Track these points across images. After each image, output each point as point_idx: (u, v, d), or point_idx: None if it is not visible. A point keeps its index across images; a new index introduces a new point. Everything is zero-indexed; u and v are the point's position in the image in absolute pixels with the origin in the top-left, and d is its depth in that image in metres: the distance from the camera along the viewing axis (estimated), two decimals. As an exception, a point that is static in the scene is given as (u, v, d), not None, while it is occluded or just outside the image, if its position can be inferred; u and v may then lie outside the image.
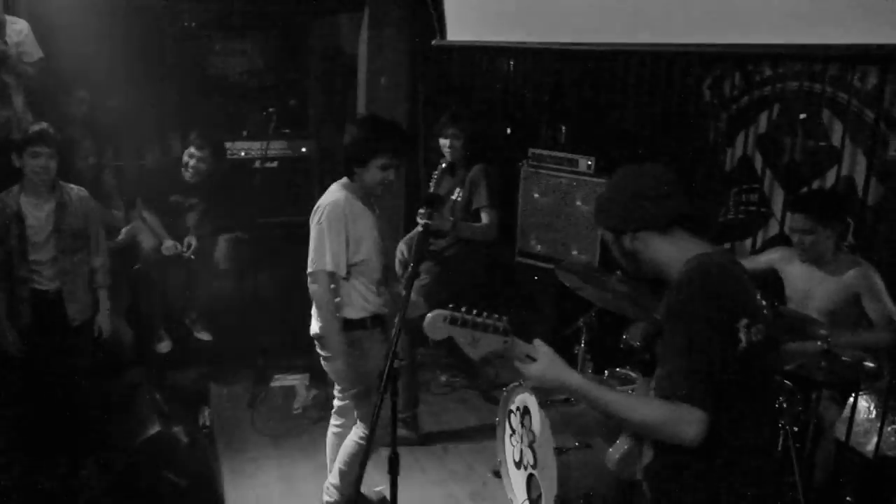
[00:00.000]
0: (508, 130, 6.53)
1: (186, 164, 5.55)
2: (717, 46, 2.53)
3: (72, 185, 4.62)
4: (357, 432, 3.95)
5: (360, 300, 3.80)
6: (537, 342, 2.29)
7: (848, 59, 4.00)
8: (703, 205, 5.24)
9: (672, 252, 2.24)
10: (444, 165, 4.99)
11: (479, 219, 4.99)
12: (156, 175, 5.79)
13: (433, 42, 4.34)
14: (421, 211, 3.97)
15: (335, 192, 3.79)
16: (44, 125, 4.44)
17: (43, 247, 4.45)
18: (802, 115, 4.78)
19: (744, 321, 2.08)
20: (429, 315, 2.25)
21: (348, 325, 3.78)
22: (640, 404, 2.12)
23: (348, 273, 3.51)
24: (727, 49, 2.51)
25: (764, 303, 2.26)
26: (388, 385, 2.79)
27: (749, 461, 2.18)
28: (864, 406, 4.40)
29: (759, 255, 4.47)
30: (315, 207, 3.78)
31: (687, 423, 2.01)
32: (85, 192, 4.66)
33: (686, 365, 2.04)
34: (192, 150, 5.54)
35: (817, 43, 2.15)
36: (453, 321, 2.24)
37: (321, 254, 3.68)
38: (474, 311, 2.25)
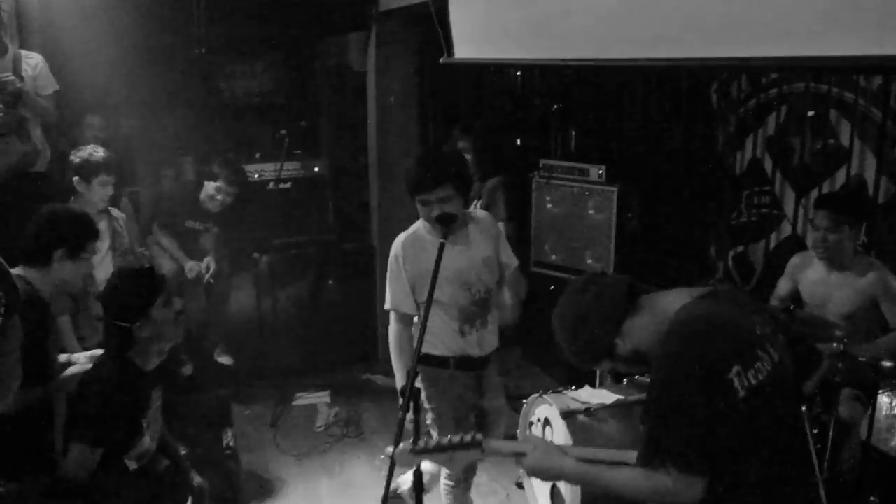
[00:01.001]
0: (518, 142, 6.59)
1: (213, 196, 5.52)
2: (724, 60, 2.55)
3: (113, 209, 4.86)
4: (442, 479, 3.87)
5: (436, 339, 3.68)
6: (529, 435, 2.37)
7: (857, 70, 4.02)
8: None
9: (658, 318, 2.14)
10: None
11: None
12: (171, 200, 5.84)
13: (441, 60, 4.38)
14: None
15: (412, 226, 3.77)
16: (109, 153, 4.69)
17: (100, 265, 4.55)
18: (811, 113, 4.79)
19: (735, 369, 1.98)
20: (397, 450, 2.32)
21: (429, 360, 3.67)
22: (635, 480, 2.07)
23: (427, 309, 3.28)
24: (735, 62, 2.53)
25: (767, 331, 2.14)
26: (410, 402, 2.80)
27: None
28: (886, 402, 4.40)
29: (784, 274, 4.37)
30: None
31: (683, 492, 1.99)
32: (124, 214, 4.95)
33: (676, 432, 2.00)
34: (220, 184, 5.49)
35: (825, 55, 2.17)
36: (420, 452, 2.29)
37: (386, 292, 3.70)
38: (437, 439, 2.30)
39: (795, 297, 4.20)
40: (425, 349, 3.54)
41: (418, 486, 2.93)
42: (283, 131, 5.56)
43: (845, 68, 3.69)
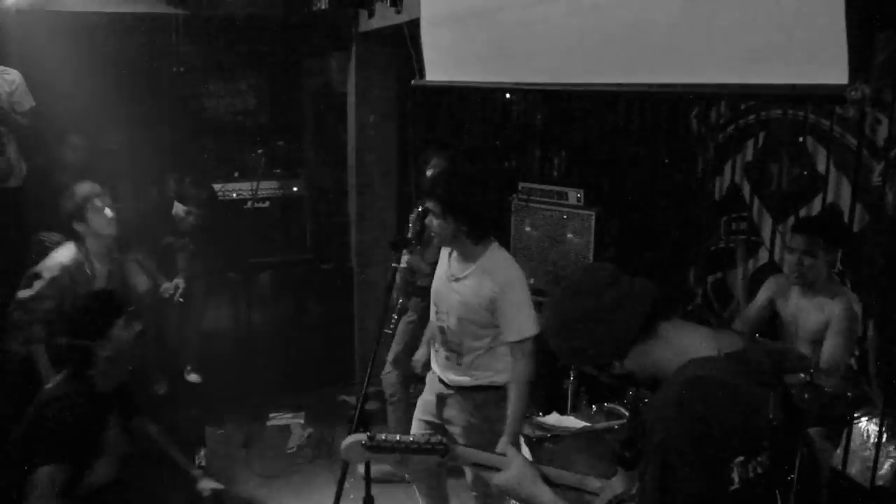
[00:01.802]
0: (509, 164, 6.57)
1: (183, 218, 5.56)
2: (671, 86, 2.55)
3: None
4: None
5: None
6: (511, 451, 2.19)
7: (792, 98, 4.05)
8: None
9: (669, 354, 1.89)
10: (419, 210, 4.98)
11: None
12: (150, 217, 5.84)
13: (412, 82, 4.39)
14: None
15: None
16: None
17: None
18: (801, 139, 4.77)
19: (739, 459, 1.75)
20: (346, 441, 2.19)
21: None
22: None
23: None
24: (683, 89, 2.53)
25: (780, 417, 1.83)
26: (359, 420, 2.75)
27: None
28: (863, 430, 4.38)
29: (758, 297, 4.37)
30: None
31: None
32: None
33: None
34: (189, 207, 5.56)
35: (763, 83, 2.17)
36: (373, 448, 2.15)
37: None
38: (398, 436, 2.16)
39: (764, 321, 4.18)
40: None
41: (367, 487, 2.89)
42: (259, 151, 5.55)
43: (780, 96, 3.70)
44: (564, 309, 1.98)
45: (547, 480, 2.14)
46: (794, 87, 2.07)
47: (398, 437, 2.15)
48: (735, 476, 1.75)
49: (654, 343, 1.91)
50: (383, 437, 2.15)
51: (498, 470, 2.16)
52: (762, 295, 4.27)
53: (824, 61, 2.00)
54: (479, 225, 3.42)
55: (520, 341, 3.39)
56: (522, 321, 3.39)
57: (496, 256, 3.50)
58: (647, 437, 1.80)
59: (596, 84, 2.81)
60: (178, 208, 5.51)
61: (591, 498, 2.29)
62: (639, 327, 1.90)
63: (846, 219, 4.49)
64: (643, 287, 1.96)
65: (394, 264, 2.98)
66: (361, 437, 2.15)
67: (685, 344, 1.90)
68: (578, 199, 5.44)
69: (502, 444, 3.33)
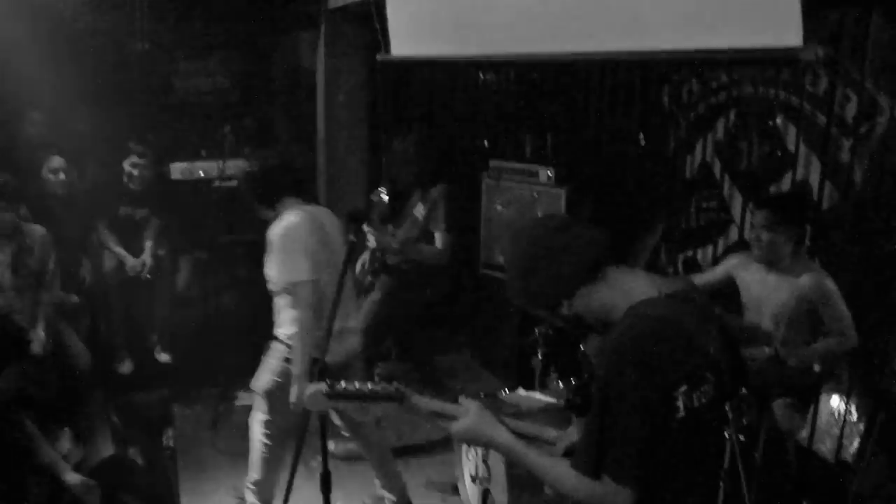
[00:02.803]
0: (486, 143, 6.52)
1: (131, 174, 5.55)
2: (629, 53, 2.52)
3: (34, 226, 4.83)
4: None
5: None
6: (463, 399, 2.22)
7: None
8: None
9: (616, 297, 2.01)
10: (382, 193, 4.96)
11: (434, 240, 4.92)
12: (107, 190, 5.78)
13: (377, 57, 4.34)
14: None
15: None
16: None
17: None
18: (779, 120, 4.75)
19: (683, 388, 1.88)
20: (308, 390, 2.24)
21: None
22: (566, 477, 1.97)
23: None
24: (641, 56, 2.50)
25: (718, 350, 2.03)
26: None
27: None
28: (831, 407, 4.40)
29: (717, 266, 4.42)
30: None
31: (613, 500, 1.89)
32: (44, 231, 4.87)
33: (615, 443, 1.88)
34: (133, 158, 5.54)
35: (718, 47, 2.15)
36: (333, 396, 2.20)
37: None
38: (356, 383, 2.21)
39: (715, 293, 4.17)
40: None
41: (325, 486, 2.88)
42: (226, 128, 5.46)
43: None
44: (516, 252, 2.10)
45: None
46: (748, 50, 2.05)
47: (357, 385, 2.20)
48: (680, 405, 1.88)
49: (601, 286, 2.02)
50: (342, 386, 2.19)
51: (455, 419, 2.18)
52: (720, 268, 4.29)
53: (779, 24, 1.98)
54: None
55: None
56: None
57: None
58: (599, 383, 1.90)
59: (558, 53, 2.78)
60: (126, 164, 5.55)
61: (549, 447, 2.37)
62: (586, 269, 2.01)
63: (815, 196, 4.48)
64: (592, 233, 2.06)
65: (349, 237, 2.91)
66: (322, 385, 2.19)
67: (629, 287, 2.01)
68: (549, 178, 5.42)
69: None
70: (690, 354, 1.94)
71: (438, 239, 4.87)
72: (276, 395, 3.74)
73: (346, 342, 3.77)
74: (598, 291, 2.02)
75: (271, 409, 3.79)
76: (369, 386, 2.18)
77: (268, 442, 3.86)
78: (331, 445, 4.91)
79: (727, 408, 2.57)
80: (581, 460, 1.95)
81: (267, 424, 3.86)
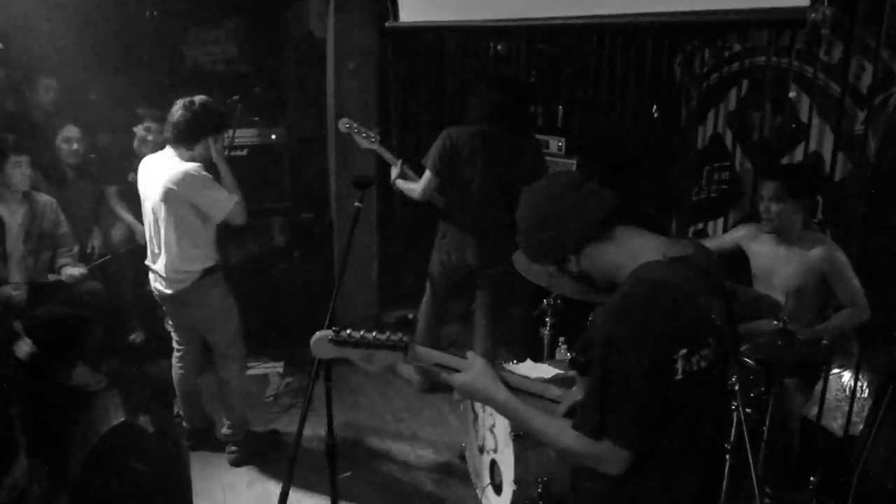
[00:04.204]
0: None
1: (144, 138, 5.50)
2: (628, 16, 2.48)
3: (41, 194, 4.98)
4: None
5: None
6: (470, 354, 2.24)
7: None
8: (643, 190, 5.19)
9: (622, 257, 2.04)
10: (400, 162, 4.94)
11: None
12: (112, 154, 5.77)
13: (385, 24, 4.29)
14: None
15: None
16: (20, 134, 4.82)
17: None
18: (793, 94, 4.68)
19: (682, 352, 1.91)
20: (314, 337, 2.23)
21: None
22: (564, 435, 2.00)
23: None
24: (646, 18, 2.46)
25: (721, 316, 2.04)
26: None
27: (671, 484, 2.07)
28: (840, 383, 4.38)
29: (727, 234, 4.41)
30: None
31: (609, 461, 1.94)
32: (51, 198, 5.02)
33: (614, 405, 1.91)
34: (148, 122, 5.50)
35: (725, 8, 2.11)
36: (339, 343, 2.21)
37: None
38: (362, 332, 2.21)
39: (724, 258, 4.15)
40: None
41: (332, 456, 2.89)
42: (235, 97, 5.40)
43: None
44: (527, 207, 2.14)
45: (508, 386, 2.20)
46: (756, 11, 2.00)
47: (362, 333, 2.21)
48: (678, 367, 1.91)
49: (609, 245, 2.06)
50: (348, 333, 2.20)
51: (458, 371, 2.21)
52: (729, 236, 4.29)
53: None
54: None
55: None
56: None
57: None
58: (602, 342, 1.92)
59: (566, 17, 2.74)
60: (138, 130, 5.51)
61: (553, 405, 2.39)
62: (595, 225, 2.04)
63: (827, 168, 4.43)
64: (603, 192, 2.09)
65: (356, 203, 2.90)
66: (328, 332, 2.20)
67: (636, 247, 2.04)
68: (560, 148, 5.38)
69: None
70: (691, 319, 1.96)
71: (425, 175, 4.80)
72: None
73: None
74: (605, 250, 2.06)
75: None
76: (374, 335, 2.20)
77: None
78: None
79: (733, 380, 2.61)
80: (582, 420, 1.98)
81: None
